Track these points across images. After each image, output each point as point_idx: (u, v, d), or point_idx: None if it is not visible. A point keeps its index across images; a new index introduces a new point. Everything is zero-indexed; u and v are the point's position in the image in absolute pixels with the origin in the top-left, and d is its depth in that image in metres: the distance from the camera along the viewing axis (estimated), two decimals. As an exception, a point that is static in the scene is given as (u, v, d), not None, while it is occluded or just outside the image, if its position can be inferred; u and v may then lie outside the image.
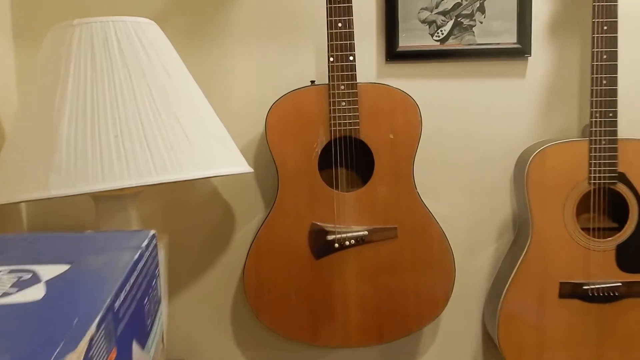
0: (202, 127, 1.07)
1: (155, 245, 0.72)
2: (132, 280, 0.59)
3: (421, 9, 1.38)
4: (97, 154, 0.97)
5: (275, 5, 1.41)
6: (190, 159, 1.01)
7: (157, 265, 0.73)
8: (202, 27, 1.42)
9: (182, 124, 1.04)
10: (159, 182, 0.97)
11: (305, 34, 1.41)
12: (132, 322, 0.58)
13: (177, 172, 0.99)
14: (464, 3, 1.38)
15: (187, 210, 1.47)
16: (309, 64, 1.42)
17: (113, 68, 1.02)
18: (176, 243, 1.47)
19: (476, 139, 1.44)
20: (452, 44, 1.39)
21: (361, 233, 1.30)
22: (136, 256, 0.63)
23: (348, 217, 1.29)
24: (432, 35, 1.39)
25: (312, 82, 1.32)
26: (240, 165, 1.12)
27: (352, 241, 1.29)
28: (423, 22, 1.39)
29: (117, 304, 0.53)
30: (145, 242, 0.68)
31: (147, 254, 0.68)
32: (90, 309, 0.47)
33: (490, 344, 1.52)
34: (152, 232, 0.71)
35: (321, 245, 1.29)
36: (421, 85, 1.42)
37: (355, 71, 1.25)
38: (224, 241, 1.47)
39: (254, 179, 1.45)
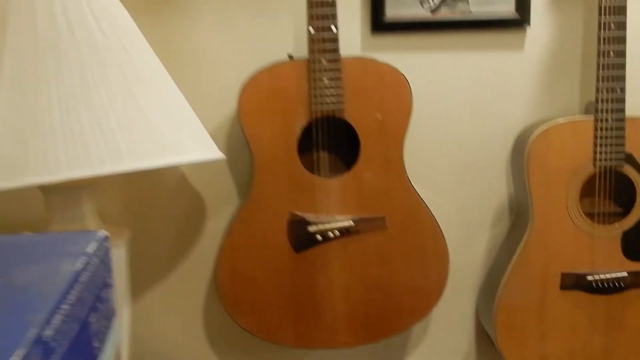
0: (165, 107, 1.03)
1: (108, 249, 0.65)
2: (72, 297, 0.51)
3: (410, -26, 1.36)
4: (39, 140, 0.89)
5: (247, -29, 1.36)
6: (152, 145, 0.96)
7: (110, 272, 0.66)
8: (165, -4, 1.36)
9: (141, 105, 0.98)
10: (114, 172, 0.91)
11: (281, 1, 1.36)
12: (72, 349, 0.50)
13: (136, 160, 0.94)
14: (457, -32, 1.36)
15: (152, 202, 1.42)
16: (285, 36, 1.37)
17: (59, 40, 0.95)
18: (140, 239, 1.42)
19: (470, 117, 1.42)
20: (444, 14, 1.36)
21: (346, 223, 1.26)
22: (79, 265, 0.55)
23: (331, 206, 1.26)
24: (422, 3, 1.35)
25: (290, 56, 1.27)
26: (210, 150, 1.09)
27: (336, 232, 1.26)
28: (412, -12, 1.36)
29: (47, 333, 0.45)
30: (93, 246, 0.60)
31: (96, 260, 0.60)
32: (10, 344, 0.40)
33: (484, 339, 1.50)
34: (103, 233, 0.64)
35: (302, 237, 1.26)
36: (410, 59, 1.39)
37: (338, 43, 1.21)
38: (194, 235, 1.44)
39: (226, 165, 1.41)
